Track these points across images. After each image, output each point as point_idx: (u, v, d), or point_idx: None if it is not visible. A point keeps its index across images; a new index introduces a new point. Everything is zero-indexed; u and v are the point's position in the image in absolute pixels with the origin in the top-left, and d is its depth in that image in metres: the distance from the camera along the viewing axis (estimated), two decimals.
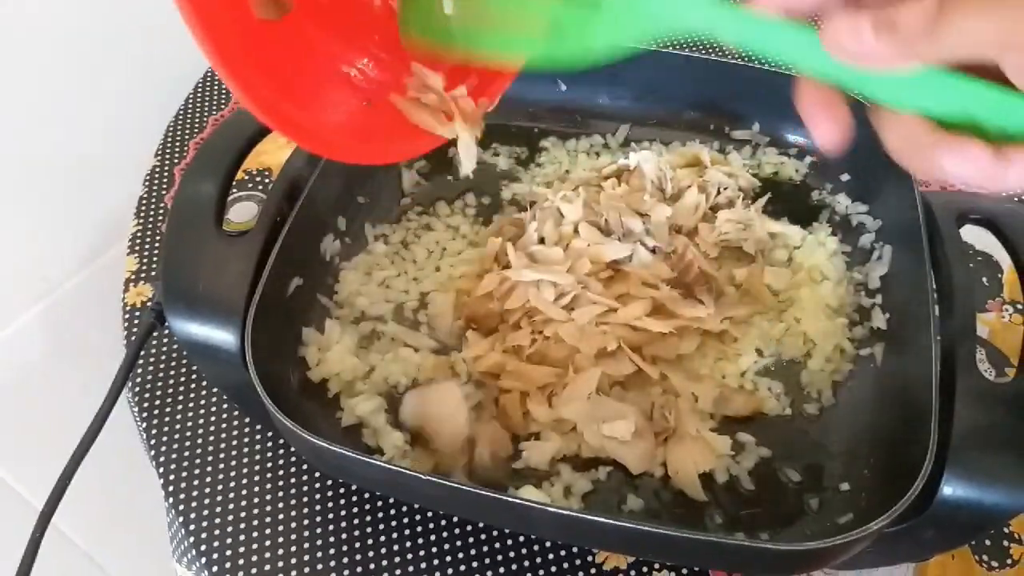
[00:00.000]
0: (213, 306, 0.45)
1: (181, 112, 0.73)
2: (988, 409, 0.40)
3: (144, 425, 0.53)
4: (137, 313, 0.59)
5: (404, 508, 0.49)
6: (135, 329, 0.57)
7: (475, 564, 0.46)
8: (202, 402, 0.53)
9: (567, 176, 0.64)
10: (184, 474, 0.50)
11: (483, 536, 0.48)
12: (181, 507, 0.48)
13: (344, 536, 0.47)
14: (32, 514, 0.46)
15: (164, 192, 0.67)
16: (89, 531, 0.80)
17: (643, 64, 0.65)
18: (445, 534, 0.48)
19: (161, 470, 0.50)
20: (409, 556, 0.47)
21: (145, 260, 0.62)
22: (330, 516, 0.48)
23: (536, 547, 0.47)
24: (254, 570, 0.46)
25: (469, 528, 0.48)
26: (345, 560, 0.46)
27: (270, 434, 0.52)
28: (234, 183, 0.49)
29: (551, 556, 0.47)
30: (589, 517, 0.39)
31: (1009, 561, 0.48)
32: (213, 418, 0.53)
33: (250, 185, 0.67)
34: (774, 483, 0.47)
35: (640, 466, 0.48)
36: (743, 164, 0.64)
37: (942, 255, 0.47)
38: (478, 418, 0.49)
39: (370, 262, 0.58)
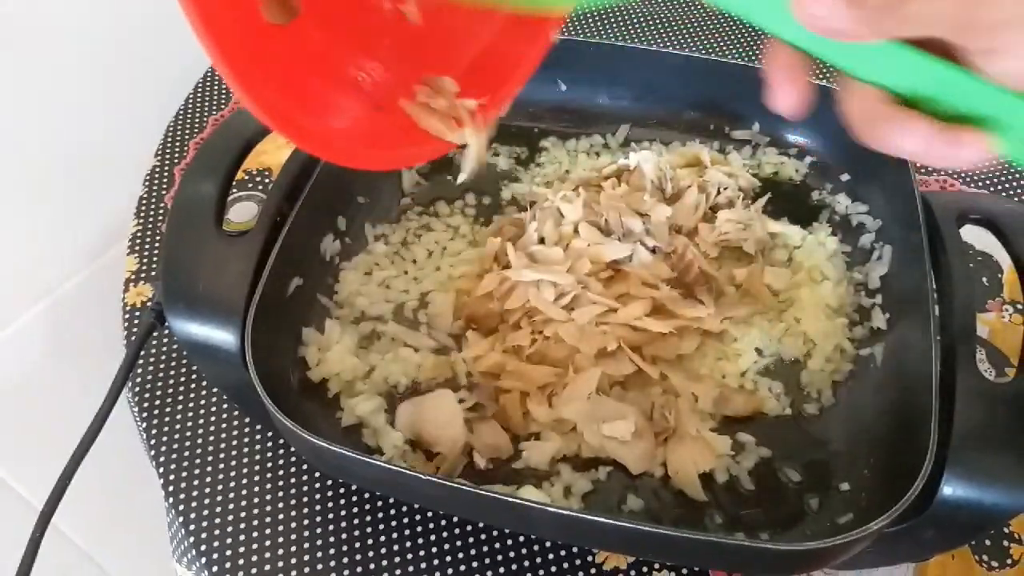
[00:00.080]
0: (213, 306, 0.45)
1: (181, 112, 0.73)
2: (988, 409, 0.40)
3: (144, 425, 0.53)
4: (137, 313, 0.59)
5: (404, 508, 0.49)
6: (135, 329, 0.57)
7: (475, 564, 0.46)
8: (202, 402, 0.53)
9: (567, 176, 0.64)
10: (184, 474, 0.50)
11: (483, 536, 0.48)
12: (181, 507, 0.48)
13: (344, 536, 0.47)
14: (32, 514, 0.46)
15: (164, 192, 0.67)
16: (89, 531, 0.80)
17: (643, 64, 0.66)
18: (445, 534, 0.48)
19: (161, 470, 0.50)
20: (409, 556, 0.47)
21: (145, 260, 0.62)
22: (330, 516, 0.48)
23: (536, 547, 0.47)
24: (254, 570, 0.46)
25: (469, 528, 0.48)
26: (345, 560, 0.46)
27: (270, 434, 0.52)
28: (234, 183, 0.49)
29: (551, 556, 0.47)
30: (589, 517, 0.39)
31: (1009, 561, 0.48)
32: (213, 418, 0.53)
33: (250, 185, 0.67)
34: (774, 483, 0.47)
35: (640, 466, 0.48)
36: (743, 164, 0.64)
37: (942, 255, 0.47)
38: (478, 418, 0.49)
39: (370, 262, 0.58)
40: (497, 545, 0.47)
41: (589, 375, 0.49)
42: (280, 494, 0.49)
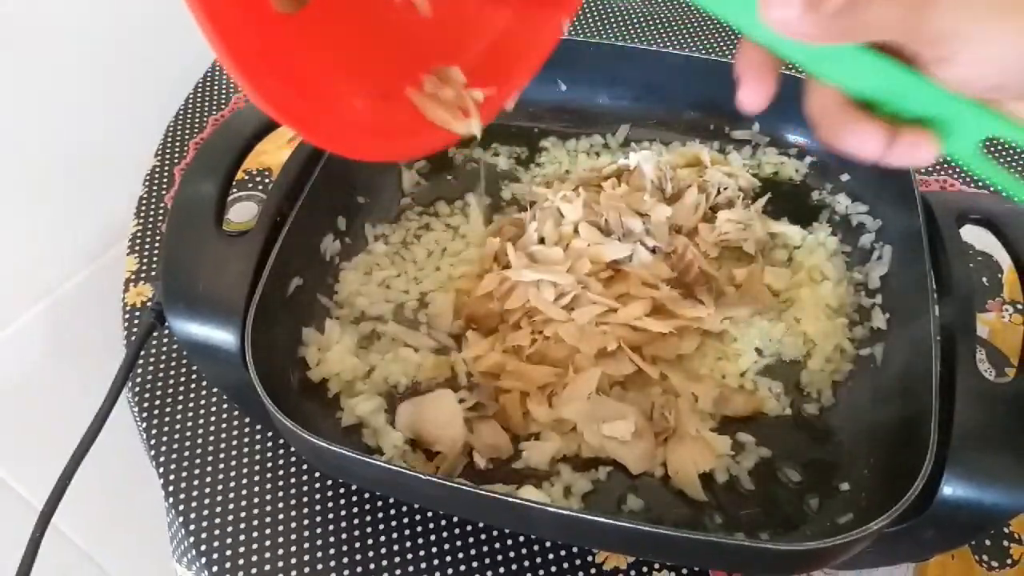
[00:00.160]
0: (213, 306, 0.45)
1: (181, 112, 0.73)
2: (988, 409, 0.40)
3: (144, 425, 0.53)
4: (137, 313, 0.59)
5: (404, 508, 0.49)
6: (135, 329, 0.57)
7: (475, 564, 0.46)
8: (202, 402, 0.53)
9: (567, 176, 0.64)
10: (184, 474, 0.50)
11: (483, 536, 0.48)
12: (181, 507, 0.48)
13: (344, 536, 0.47)
14: (32, 514, 0.46)
15: (164, 192, 0.67)
16: (89, 531, 0.80)
17: (643, 64, 0.66)
18: (445, 534, 0.48)
19: (161, 470, 0.50)
20: (409, 556, 0.47)
21: (145, 260, 0.62)
22: (330, 516, 0.48)
23: (536, 547, 0.47)
24: (254, 570, 0.46)
25: (469, 528, 0.48)
26: (345, 560, 0.46)
27: (270, 434, 0.52)
28: (234, 183, 0.49)
29: (551, 556, 0.47)
30: (589, 517, 0.39)
31: (1009, 561, 0.48)
32: (213, 418, 0.53)
33: (250, 185, 0.67)
34: (774, 483, 0.48)
35: (640, 466, 0.48)
36: (743, 164, 0.64)
37: (942, 255, 0.47)
38: (478, 418, 0.49)
39: (370, 262, 0.58)
40: (497, 545, 0.47)
41: (589, 375, 0.49)
42: (280, 494, 0.49)
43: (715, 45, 0.80)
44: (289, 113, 0.33)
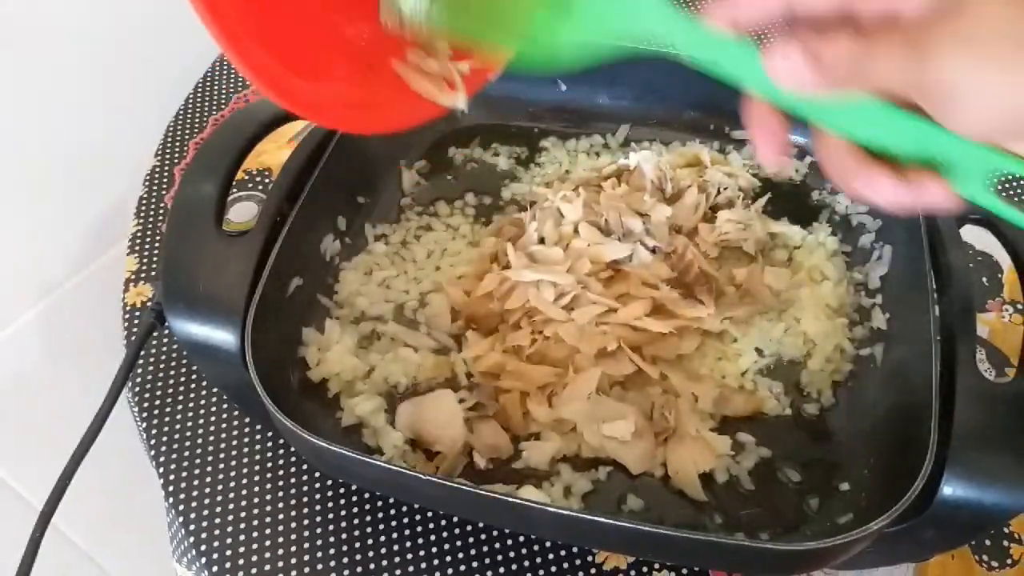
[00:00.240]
0: (213, 306, 0.45)
1: (181, 112, 0.73)
2: (988, 409, 0.40)
3: (144, 425, 0.53)
4: (137, 313, 0.59)
5: (404, 508, 0.49)
6: (135, 329, 0.57)
7: (475, 564, 0.46)
8: (202, 402, 0.53)
9: (567, 176, 0.64)
10: (184, 474, 0.50)
11: (483, 536, 0.48)
12: (181, 507, 0.48)
13: (344, 536, 0.47)
14: (32, 514, 0.46)
15: (164, 192, 0.67)
16: (89, 531, 0.80)
17: (643, 64, 0.65)
18: (445, 534, 0.48)
19: (161, 470, 0.50)
20: (409, 556, 0.47)
21: (145, 260, 0.62)
22: (330, 516, 0.48)
23: (536, 547, 0.47)
24: (254, 570, 0.46)
25: (469, 528, 0.48)
26: (345, 560, 0.46)
27: (270, 434, 0.52)
28: (234, 183, 0.49)
29: (551, 556, 0.47)
30: (589, 517, 0.39)
31: (1009, 561, 0.48)
32: (213, 418, 0.53)
33: (250, 185, 0.67)
34: (774, 483, 0.47)
35: (640, 466, 0.48)
36: (743, 164, 0.64)
37: (942, 255, 0.47)
38: (478, 418, 0.49)
39: (370, 262, 0.58)
40: (497, 545, 0.47)
41: (589, 375, 0.49)
42: (280, 494, 0.49)
43: None
44: (269, 81, 0.33)
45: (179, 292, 0.45)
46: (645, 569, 0.47)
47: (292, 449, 0.51)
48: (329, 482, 0.50)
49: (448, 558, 0.47)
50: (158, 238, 0.64)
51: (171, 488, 0.49)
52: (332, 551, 0.47)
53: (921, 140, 0.29)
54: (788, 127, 0.31)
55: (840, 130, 0.30)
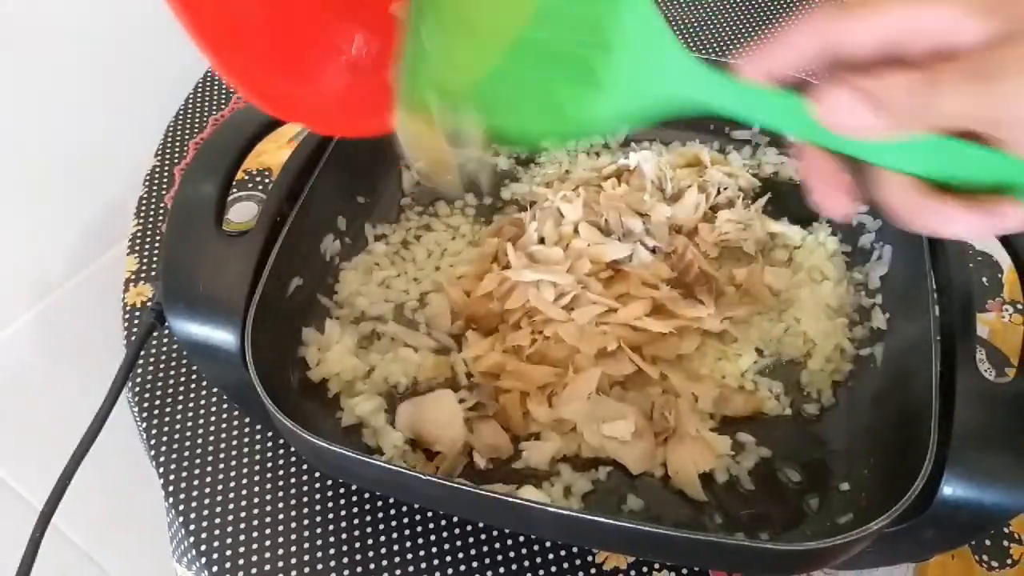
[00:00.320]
0: (213, 306, 0.45)
1: (181, 112, 0.73)
2: (988, 409, 0.40)
3: (144, 425, 0.53)
4: (137, 313, 0.59)
5: (404, 508, 0.49)
6: (135, 329, 0.57)
7: (475, 564, 0.46)
8: (202, 402, 0.53)
9: (567, 176, 0.64)
10: (184, 474, 0.50)
11: (483, 536, 0.48)
12: (181, 507, 0.48)
13: (344, 536, 0.47)
14: (32, 514, 0.46)
15: (164, 192, 0.67)
16: (89, 531, 0.80)
17: None
18: (445, 534, 0.48)
19: (161, 470, 0.50)
20: (409, 556, 0.47)
21: (145, 260, 0.62)
22: (330, 516, 0.48)
23: (536, 547, 0.47)
24: (254, 570, 0.46)
25: (469, 528, 0.48)
26: (345, 560, 0.46)
27: (270, 434, 0.52)
28: (234, 183, 0.49)
29: (551, 556, 0.47)
30: (589, 517, 0.39)
31: (1009, 561, 0.48)
32: (213, 418, 0.53)
33: (250, 185, 0.67)
34: (774, 483, 0.48)
35: (640, 466, 0.48)
36: (743, 164, 0.64)
37: (942, 255, 0.47)
38: (478, 418, 0.49)
39: (370, 262, 0.58)
40: (497, 545, 0.47)
41: (589, 375, 0.49)
42: (280, 494, 0.49)
43: (716, 45, 0.80)
44: (251, 86, 0.32)
45: (179, 292, 0.45)
46: (645, 569, 0.47)
47: (292, 449, 0.51)
48: (329, 482, 0.50)
49: (448, 558, 0.47)
50: (158, 238, 0.64)
51: (171, 488, 0.49)
52: (332, 551, 0.47)
53: (987, 168, 0.28)
54: (845, 170, 0.30)
55: (901, 168, 0.28)
